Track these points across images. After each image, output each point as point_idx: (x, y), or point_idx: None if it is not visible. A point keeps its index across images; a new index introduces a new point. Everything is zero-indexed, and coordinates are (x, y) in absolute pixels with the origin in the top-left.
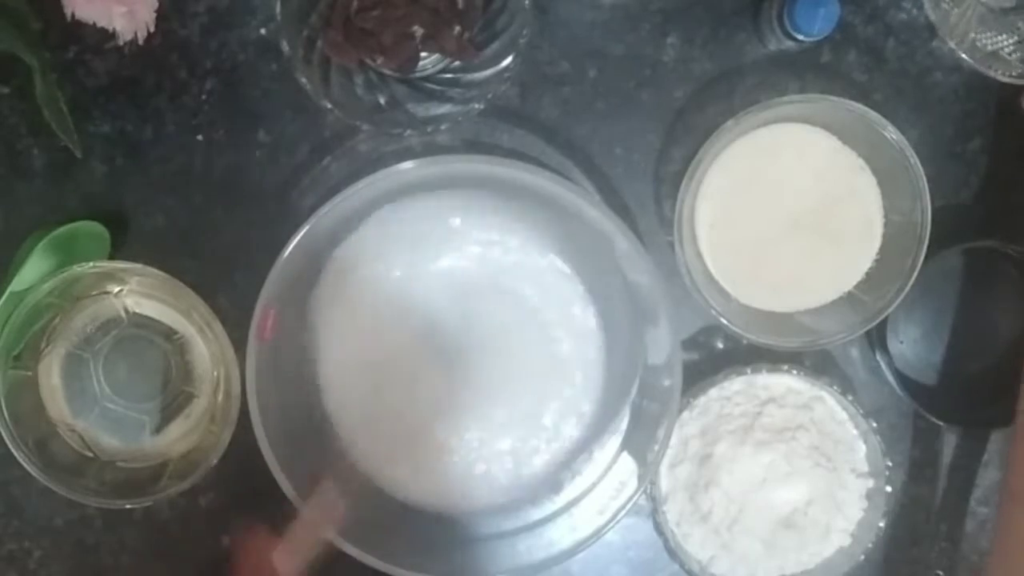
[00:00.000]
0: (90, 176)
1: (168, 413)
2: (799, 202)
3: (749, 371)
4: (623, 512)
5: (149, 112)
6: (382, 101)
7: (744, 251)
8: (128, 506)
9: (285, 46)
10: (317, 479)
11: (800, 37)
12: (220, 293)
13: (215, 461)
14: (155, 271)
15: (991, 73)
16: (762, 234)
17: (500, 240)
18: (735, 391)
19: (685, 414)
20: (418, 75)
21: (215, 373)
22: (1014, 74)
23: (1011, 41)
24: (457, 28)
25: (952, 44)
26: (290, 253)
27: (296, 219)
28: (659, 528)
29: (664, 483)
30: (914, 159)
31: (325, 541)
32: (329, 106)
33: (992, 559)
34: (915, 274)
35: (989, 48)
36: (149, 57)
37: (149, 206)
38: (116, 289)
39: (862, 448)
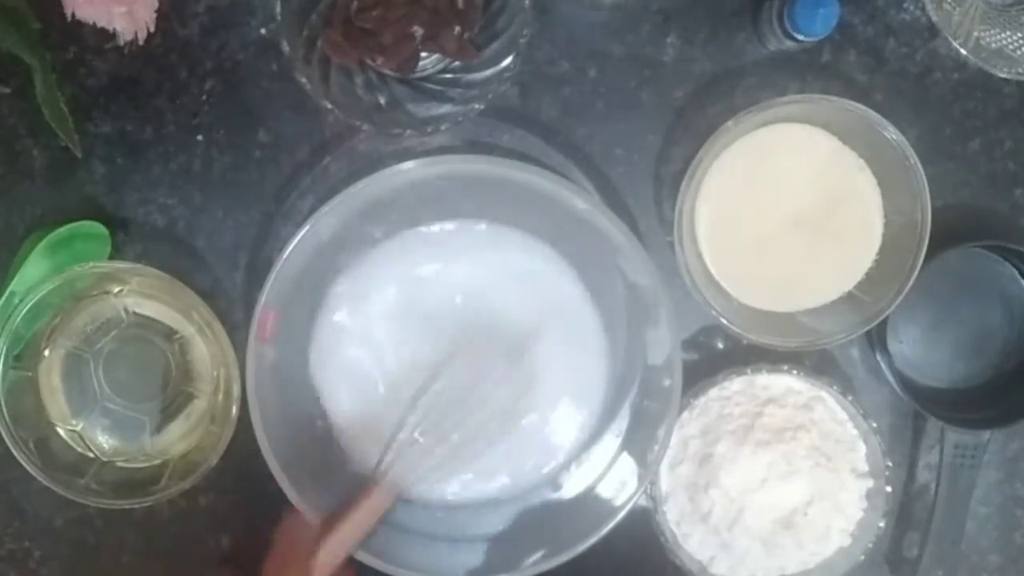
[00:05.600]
0: (90, 176)
1: (168, 413)
2: (799, 202)
3: (749, 371)
4: (623, 512)
5: (149, 112)
6: (382, 101)
7: (744, 251)
8: (128, 506)
9: (285, 46)
10: (369, 485)
11: (800, 37)
12: (220, 293)
13: (215, 461)
14: (155, 271)
15: (997, 71)
16: (762, 234)
17: (500, 240)
18: (735, 391)
19: (685, 414)
20: (418, 75)
21: (215, 373)
22: (1020, 71)
23: (1016, 37)
24: (457, 28)
25: (956, 44)
26: (290, 253)
27: (296, 219)
28: (659, 528)
29: (664, 483)
30: (914, 159)
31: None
32: (329, 106)
33: None
34: (915, 274)
35: (994, 46)
36: (149, 57)
37: (149, 206)
38: (116, 289)
39: (862, 448)
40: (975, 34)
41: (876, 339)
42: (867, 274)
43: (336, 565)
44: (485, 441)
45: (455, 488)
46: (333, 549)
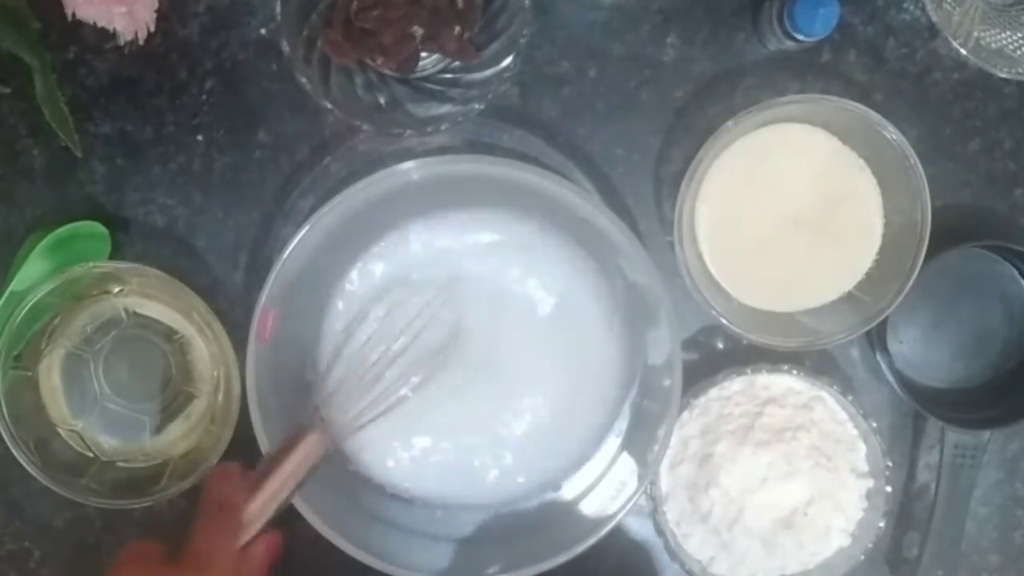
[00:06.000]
0: (90, 176)
1: (168, 413)
2: (799, 202)
3: (749, 371)
4: (623, 512)
5: (149, 112)
6: (382, 101)
7: (744, 251)
8: (128, 506)
9: (285, 46)
10: (303, 431)
11: (800, 37)
12: (220, 293)
13: (215, 461)
14: (155, 271)
15: (997, 71)
16: (762, 234)
17: (500, 240)
18: (735, 391)
19: (685, 414)
20: (418, 75)
21: (215, 373)
22: (1020, 71)
23: (1016, 37)
24: (457, 28)
25: (956, 44)
26: (290, 253)
27: (296, 219)
28: (659, 528)
29: (664, 483)
30: (914, 159)
31: (295, 492)
32: (329, 106)
33: None
34: (915, 274)
35: (994, 46)
36: (149, 57)
37: (149, 206)
38: (116, 289)
39: (862, 448)
40: (975, 34)
41: (876, 339)
42: (867, 274)
43: (269, 512)
44: (420, 376)
45: (456, 490)
46: (267, 496)
